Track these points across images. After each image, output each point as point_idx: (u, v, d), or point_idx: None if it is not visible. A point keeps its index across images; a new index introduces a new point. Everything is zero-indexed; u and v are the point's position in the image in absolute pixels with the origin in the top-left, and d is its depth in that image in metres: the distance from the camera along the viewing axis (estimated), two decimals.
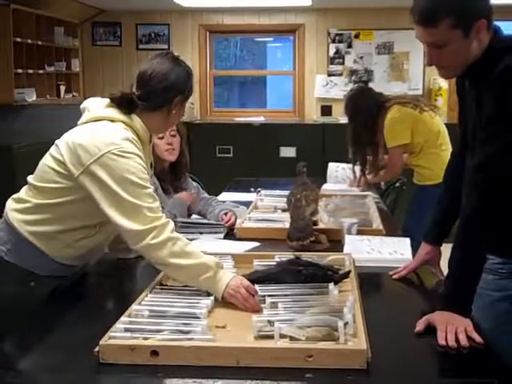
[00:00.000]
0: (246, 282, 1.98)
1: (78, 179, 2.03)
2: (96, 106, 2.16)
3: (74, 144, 2.05)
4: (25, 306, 2.08)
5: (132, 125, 2.12)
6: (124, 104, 2.12)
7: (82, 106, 2.21)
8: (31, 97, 5.57)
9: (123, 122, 2.11)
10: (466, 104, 1.97)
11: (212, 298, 1.94)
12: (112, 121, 2.10)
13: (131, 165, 2.00)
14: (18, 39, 5.40)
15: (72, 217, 2.13)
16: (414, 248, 2.57)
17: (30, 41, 5.61)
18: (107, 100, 2.17)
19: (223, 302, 1.97)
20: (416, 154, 3.96)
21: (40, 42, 5.84)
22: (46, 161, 2.13)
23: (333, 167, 4.45)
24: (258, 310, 1.88)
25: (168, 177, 3.17)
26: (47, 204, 2.12)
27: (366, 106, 4.04)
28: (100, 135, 2.04)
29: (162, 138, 3.03)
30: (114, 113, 2.12)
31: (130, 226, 1.96)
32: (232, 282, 1.96)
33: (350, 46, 6.95)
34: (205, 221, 3.13)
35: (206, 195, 3.33)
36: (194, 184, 3.31)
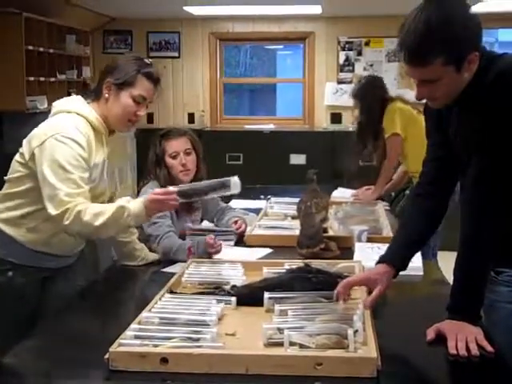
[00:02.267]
0: (156, 196, 2.20)
1: (29, 164, 2.24)
2: (58, 103, 2.37)
3: (30, 135, 2.28)
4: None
5: (85, 115, 2.29)
6: (82, 91, 2.34)
7: (52, 104, 2.39)
8: (43, 104, 5.60)
9: (77, 113, 2.29)
10: (445, 125, 1.90)
11: (222, 305, 1.95)
12: (68, 112, 2.29)
13: (65, 150, 2.17)
14: (30, 47, 5.43)
15: (31, 202, 2.28)
16: (424, 255, 2.57)
17: (41, 49, 5.65)
18: (69, 98, 2.41)
19: (233, 310, 1.97)
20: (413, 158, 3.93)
21: (51, 50, 5.87)
22: (15, 156, 2.33)
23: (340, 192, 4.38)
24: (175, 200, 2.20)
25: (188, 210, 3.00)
26: (12, 193, 2.31)
27: (373, 94, 4.14)
28: (50, 124, 2.27)
29: (175, 157, 2.92)
30: (70, 105, 2.32)
31: (50, 210, 2.16)
32: (146, 202, 2.19)
33: (359, 54, 6.95)
34: (215, 228, 3.13)
35: (222, 205, 3.27)
36: None
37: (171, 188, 2.26)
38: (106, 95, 2.30)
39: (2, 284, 2.29)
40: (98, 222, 2.14)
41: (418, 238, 2.00)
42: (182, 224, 2.99)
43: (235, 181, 2.26)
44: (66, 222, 2.14)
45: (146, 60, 2.37)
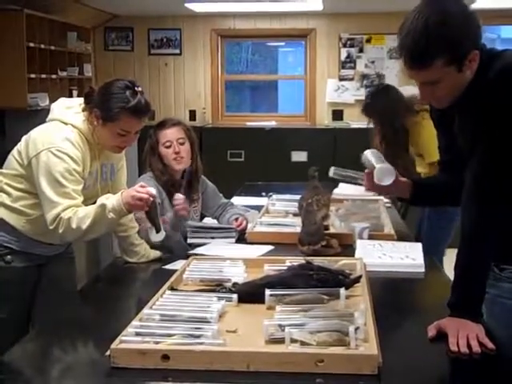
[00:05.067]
0: (131, 193, 2.28)
1: (27, 169, 2.34)
2: (57, 107, 2.45)
3: (28, 137, 2.37)
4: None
5: (80, 128, 2.37)
6: (86, 101, 2.41)
7: (51, 106, 2.48)
8: (44, 101, 5.59)
9: (73, 125, 2.37)
10: (449, 125, 1.91)
11: (223, 302, 1.95)
12: (64, 123, 2.37)
13: (61, 164, 2.27)
14: (31, 44, 5.42)
15: (29, 197, 2.38)
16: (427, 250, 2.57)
17: (42, 46, 5.64)
18: (68, 103, 2.46)
19: (234, 307, 1.98)
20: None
21: (53, 47, 5.86)
22: (13, 151, 2.43)
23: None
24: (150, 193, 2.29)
25: (181, 188, 3.01)
26: (12, 186, 2.40)
27: (393, 105, 3.78)
28: (47, 133, 2.35)
29: (168, 146, 2.98)
30: (68, 116, 2.39)
31: (48, 222, 2.27)
32: (123, 200, 2.28)
33: (361, 51, 6.94)
34: (216, 225, 3.13)
35: (223, 200, 3.30)
36: (212, 187, 3.27)
37: (150, 189, 2.34)
38: (95, 123, 2.37)
39: (2, 268, 2.39)
40: (85, 225, 2.26)
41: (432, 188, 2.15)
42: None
43: (158, 235, 2.43)
44: (60, 231, 2.27)
45: (137, 88, 2.37)
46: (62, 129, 2.36)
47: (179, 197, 2.83)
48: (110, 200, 2.29)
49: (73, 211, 2.26)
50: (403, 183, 2.12)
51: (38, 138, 2.34)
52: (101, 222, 2.28)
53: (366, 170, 2.11)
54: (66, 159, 2.29)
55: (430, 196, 2.16)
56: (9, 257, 2.40)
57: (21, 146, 2.39)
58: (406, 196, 2.16)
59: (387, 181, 2.04)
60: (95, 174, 2.44)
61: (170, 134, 2.99)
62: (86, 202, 2.36)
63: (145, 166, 3.05)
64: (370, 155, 2.15)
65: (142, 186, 2.33)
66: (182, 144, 3.00)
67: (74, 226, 2.25)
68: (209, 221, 3.29)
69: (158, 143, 3.00)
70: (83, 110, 2.41)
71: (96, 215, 2.27)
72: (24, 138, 2.41)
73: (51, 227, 2.27)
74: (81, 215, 2.26)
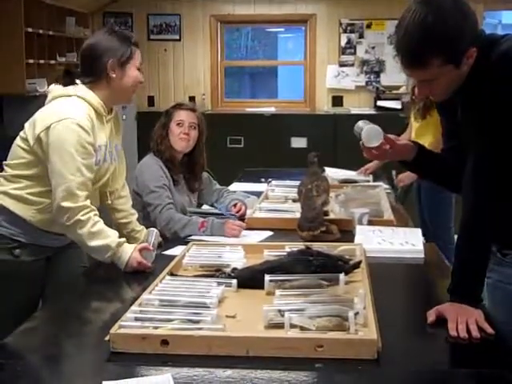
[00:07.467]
0: (139, 259, 2.26)
1: (34, 149, 2.27)
2: (55, 88, 2.40)
3: (33, 119, 2.32)
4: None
5: (86, 98, 2.32)
6: (67, 79, 2.36)
7: (47, 89, 2.44)
8: (42, 87, 5.57)
9: (78, 96, 2.31)
10: (452, 112, 1.90)
11: (222, 287, 1.94)
12: (68, 96, 2.32)
13: (73, 137, 2.21)
14: (30, 29, 5.40)
15: (40, 184, 2.32)
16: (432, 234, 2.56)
17: (41, 31, 5.61)
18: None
19: (233, 293, 1.98)
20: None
21: (51, 32, 5.83)
22: (16, 140, 2.37)
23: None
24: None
25: (179, 168, 3.07)
26: (20, 175, 2.34)
27: None
28: (53, 109, 2.29)
29: (180, 125, 3.02)
30: (69, 89, 2.34)
31: (57, 200, 2.20)
32: (130, 260, 2.25)
33: (361, 36, 6.90)
34: (215, 211, 3.13)
35: (217, 186, 3.31)
36: (205, 175, 3.28)
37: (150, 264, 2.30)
38: (113, 75, 2.34)
39: (10, 262, 2.35)
40: (88, 242, 2.24)
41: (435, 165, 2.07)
42: (182, 198, 3.01)
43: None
44: (67, 223, 2.22)
45: (116, 27, 2.46)
46: (68, 101, 2.30)
47: (241, 225, 2.81)
48: (122, 249, 2.26)
49: (87, 215, 2.22)
50: (404, 145, 2.02)
51: (44, 115, 2.28)
52: (97, 253, 2.26)
53: (361, 141, 2.06)
54: (78, 130, 2.22)
55: (431, 165, 2.05)
56: (17, 250, 2.35)
57: (25, 131, 2.33)
58: (409, 158, 2.02)
59: (375, 142, 1.99)
60: (104, 148, 2.38)
61: (185, 116, 3.06)
62: (94, 185, 2.33)
63: (151, 143, 3.07)
64: (360, 123, 2.13)
65: (145, 263, 2.29)
66: (192, 128, 3.06)
67: (79, 231, 2.22)
68: (206, 207, 3.30)
69: (170, 120, 3.05)
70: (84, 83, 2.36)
71: (100, 247, 2.24)
72: (27, 123, 2.34)
73: (62, 204, 2.19)
74: (92, 230, 2.22)
